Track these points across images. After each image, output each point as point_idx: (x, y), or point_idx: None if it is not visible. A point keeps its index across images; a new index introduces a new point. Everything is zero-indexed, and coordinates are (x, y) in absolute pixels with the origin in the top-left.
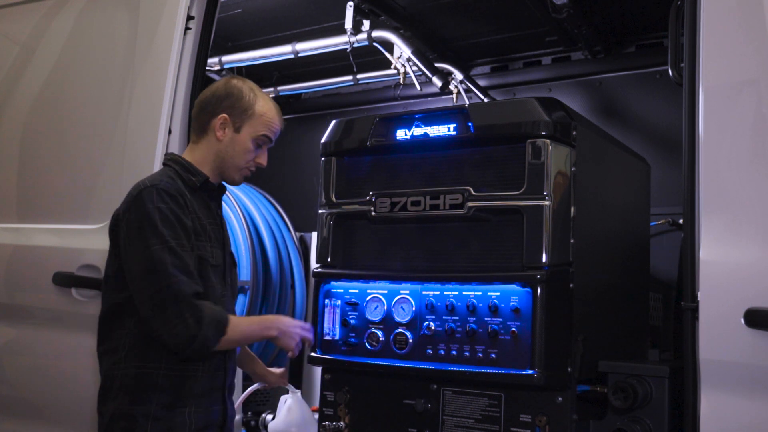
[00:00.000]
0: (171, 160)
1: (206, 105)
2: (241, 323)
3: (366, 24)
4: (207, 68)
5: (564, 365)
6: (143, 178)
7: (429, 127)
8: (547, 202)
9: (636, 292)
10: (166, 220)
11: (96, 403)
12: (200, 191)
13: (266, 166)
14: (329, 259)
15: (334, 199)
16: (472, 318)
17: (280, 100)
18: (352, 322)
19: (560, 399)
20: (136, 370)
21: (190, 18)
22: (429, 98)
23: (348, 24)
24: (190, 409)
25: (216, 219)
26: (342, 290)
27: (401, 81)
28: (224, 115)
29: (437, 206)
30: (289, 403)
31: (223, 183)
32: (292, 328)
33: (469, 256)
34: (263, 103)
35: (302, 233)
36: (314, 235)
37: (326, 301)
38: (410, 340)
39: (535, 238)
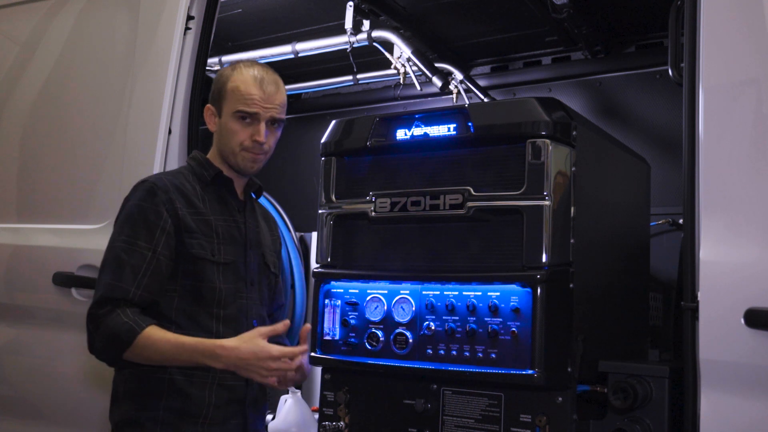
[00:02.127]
0: (191, 157)
1: None
2: (163, 342)
3: (366, 24)
4: (207, 68)
5: (564, 365)
6: None
7: (429, 127)
8: (547, 202)
9: (636, 292)
10: (130, 218)
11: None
12: (215, 186)
13: (264, 140)
14: (329, 259)
15: (334, 199)
16: (472, 318)
17: None
18: (352, 322)
19: (560, 399)
20: (138, 375)
21: (190, 18)
22: (429, 98)
23: (348, 24)
24: (204, 420)
25: (234, 216)
26: (342, 290)
27: (401, 81)
28: (208, 105)
29: (437, 206)
30: (289, 403)
31: (255, 180)
32: (255, 362)
33: (469, 256)
34: (236, 76)
35: (302, 233)
36: (314, 235)
37: (326, 301)
38: (410, 340)
39: (535, 238)
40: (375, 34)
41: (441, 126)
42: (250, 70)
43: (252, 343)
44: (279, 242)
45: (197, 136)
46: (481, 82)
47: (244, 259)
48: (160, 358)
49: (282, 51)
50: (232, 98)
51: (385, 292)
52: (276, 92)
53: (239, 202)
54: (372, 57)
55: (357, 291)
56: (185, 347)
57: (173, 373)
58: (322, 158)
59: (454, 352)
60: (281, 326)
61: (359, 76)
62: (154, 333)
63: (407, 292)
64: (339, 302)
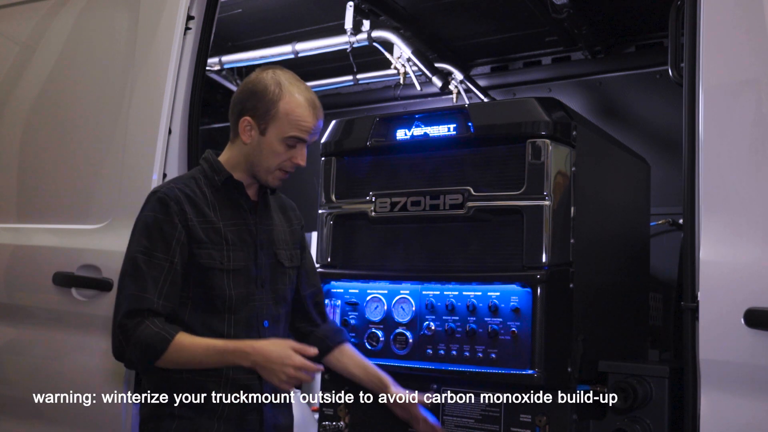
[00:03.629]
0: (203, 159)
1: (234, 105)
2: (194, 347)
3: (366, 24)
4: (207, 68)
5: (564, 365)
6: None
7: (429, 127)
8: (547, 202)
9: (636, 292)
10: (145, 229)
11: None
12: (226, 189)
13: (305, 164)
14: (329, 259)
15: (334, 199)
16: (472, 318)
17: None
18: (352, 322)
19: (560, 399)
20: (160, 373)
21: (190, 18)
22: (429, 98)
23: (348, 24)
24: (221, 412)
25: (245, 218)
26: (342, 290)
27: (401, 81)
28: (247, 117)
29: (437, 206)
30: None
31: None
32: (279, 365)
33: (469, 256)
34: (289, 98)
35: None
36: (314, 235)
37: (326, 301)
38: (410, 340)
39: (535, 238)
40: (375, 34)
41: (441, 126)
42: (301, 92)
43: (281, 347)
44: (299, 232)
45: (197, 136)
46: (481, 82)
47: (255, 261)
48: (190, 362)
49: (282, 51)
50: (286, 122)
51: (385, 292)
52: (322, 116)
53: (251, 203)
54: (372, 57)
55: (357, 291)
56: (216, 348)
57: (184, 372)
58: (322, 158)
59: (454, 352)
60: (311, 349)
61: (359, 76)
62: (185, 339)
63: (407, 292)
64: (339, 302)
